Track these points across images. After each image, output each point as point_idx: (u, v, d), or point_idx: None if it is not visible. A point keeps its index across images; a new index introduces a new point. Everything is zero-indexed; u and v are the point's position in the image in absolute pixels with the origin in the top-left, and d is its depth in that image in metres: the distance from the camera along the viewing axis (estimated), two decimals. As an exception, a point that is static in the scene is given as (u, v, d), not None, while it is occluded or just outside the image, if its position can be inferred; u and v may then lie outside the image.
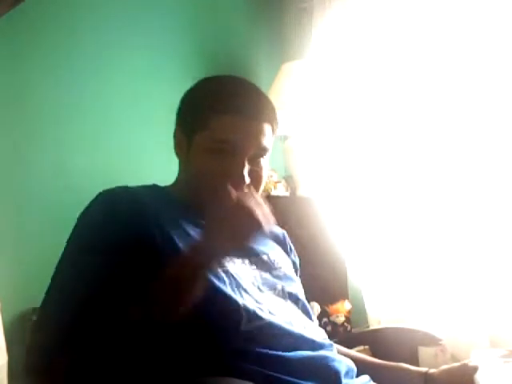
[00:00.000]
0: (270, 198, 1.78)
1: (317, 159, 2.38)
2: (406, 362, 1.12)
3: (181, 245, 0.93)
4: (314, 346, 0.98)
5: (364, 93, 2.31)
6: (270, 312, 0.96)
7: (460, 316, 1.98)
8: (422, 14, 2.18)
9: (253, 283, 0.99)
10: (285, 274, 1.09)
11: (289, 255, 1.20)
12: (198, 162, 0.99)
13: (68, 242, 0.94)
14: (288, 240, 1.23)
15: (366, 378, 1.04)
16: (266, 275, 1.04)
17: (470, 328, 1.95)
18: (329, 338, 1.07)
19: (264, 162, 1.02)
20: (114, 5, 1.99)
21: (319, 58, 2.37)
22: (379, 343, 1.25)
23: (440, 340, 1.27)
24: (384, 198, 2.26)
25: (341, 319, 2.02)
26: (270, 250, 1.11)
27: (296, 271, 1.20)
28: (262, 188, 1.03)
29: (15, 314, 1.58)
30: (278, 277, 1.06)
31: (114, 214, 0.92)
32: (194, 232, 0.97)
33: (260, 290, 1.00)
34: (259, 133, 0.98)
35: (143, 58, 2.03)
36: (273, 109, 1.04)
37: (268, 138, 1.00)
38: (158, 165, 1.76)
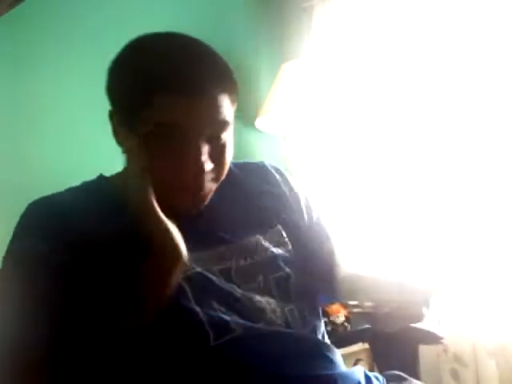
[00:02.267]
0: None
1: (317, 159, 2.38)
2: (407, 361, 1.12)
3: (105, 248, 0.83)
4: (306, 356, 0.85)
5: (364, 92, 2.31)
6: (247, 319, 0.84)
7: (462, 315, 1.98)
8: (422, 14, 2.18)
9: (226, 280, 0.86)
10: (271, 257, 0.92)
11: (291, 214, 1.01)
12: (139, 157, 0.83)
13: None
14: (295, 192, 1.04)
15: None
16: (244, 264, 0.89)
17: (473, 327, 1.95)
18: (328, 337, 1.01)
19: (227, 135, 0.85)
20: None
21: (319, 57, 2.37)
22: (379, 341, 1.25)
23: (442, 338, 1.27)
24: (383, 198, 2.26)
25: (341, 319, 2.03)
26: (248, 229, 0.93)
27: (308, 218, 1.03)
28: (227, 166, 0.88)
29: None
30: (259, 264, 0.90)
31: (27, 231, 0.86)
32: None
33: (236, 288, 0.86)
34: (213, 108, 0.81)
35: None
36: (225, 74, 0.85)
37: (225, 111, 0.83)
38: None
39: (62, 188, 0.94)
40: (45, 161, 1.74)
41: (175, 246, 0.79)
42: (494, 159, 2.02)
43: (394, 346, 1.11)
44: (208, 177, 0.84)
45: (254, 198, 0.99)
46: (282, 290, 0.90)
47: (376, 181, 2.28)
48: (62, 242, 0.81)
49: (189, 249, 0.82)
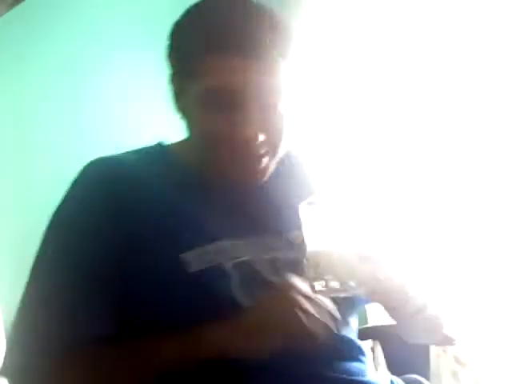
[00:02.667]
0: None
1: (317, 158, 2.36)
2: (418, 362, 1.09)
3: (170, 225, 0.78)
4: (345, 358, 0.81)
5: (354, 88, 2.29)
6: None
7: (463, 317, 1.98)
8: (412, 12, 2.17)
9: (272, 272, 0.80)
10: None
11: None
12: (196, 122, 0.79)
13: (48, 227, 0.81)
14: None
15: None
16: (292, 257, 0.82)
17: (473, 329, 1.95)
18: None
19: (285, 106, 0.77)
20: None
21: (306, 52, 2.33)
22: (390, 339, 1.23)
23: (454, 340, 1.25)
24: (383, 198, 2.25)
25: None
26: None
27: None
28: (283, 139, 0.80)
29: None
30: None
31: (85, 196, 0.80)
32: (197, 206, 0.80)
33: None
34: (267, 72, 0.74)
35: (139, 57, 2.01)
36: (285, 38, 0.77)
37: (283, 77, 0.75)
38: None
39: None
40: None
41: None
42: (494, 160, 2.02)
43: (406, 345, 1.09)
44: (262, 148, 0.77)
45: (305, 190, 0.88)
46: None
47: (375, 181, 2.27)
48: (121, 214, 0.77)
49: (238, 235, 0.78)
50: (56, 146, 1.77)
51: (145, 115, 1.93)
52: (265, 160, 0.79)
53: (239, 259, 0.78)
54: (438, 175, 2.08)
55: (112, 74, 1.89)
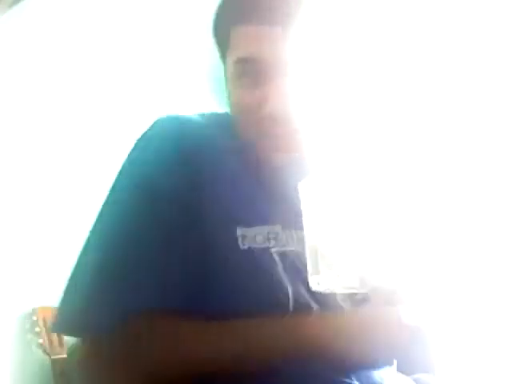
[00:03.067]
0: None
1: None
2: (426, 360, 1.07)
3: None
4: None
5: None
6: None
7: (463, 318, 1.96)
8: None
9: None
10: None
11: None
12: (230, 96, 0.78)
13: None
14: None
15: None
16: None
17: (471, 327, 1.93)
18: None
19: (296, 77, 0.75)
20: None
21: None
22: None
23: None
24: (382, 199, 2.23)
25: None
26: None
27: None
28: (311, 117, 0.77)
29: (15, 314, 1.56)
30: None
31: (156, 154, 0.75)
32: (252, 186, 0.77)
33: None
34: (290, 39, 0.73)
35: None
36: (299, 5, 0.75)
37: (307, 43, 0.74)
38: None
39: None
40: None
41: None
42: (494, 162, 2.00)
43: (415, 344, 1.06)
44: (291, 125, 0.74)
45: None
46: None
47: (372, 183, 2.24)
48: (192, 177, 0.72)
49: (289, 225, 0.75)
50: (56, 145, 1.76)
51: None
52: (297, 138, 0.75)
53: (285, 248, 0.75)
54: (438, 176, 2.06)
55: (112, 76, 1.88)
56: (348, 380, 0.71)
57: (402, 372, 1.03)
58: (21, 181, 1.69)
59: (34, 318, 1.62)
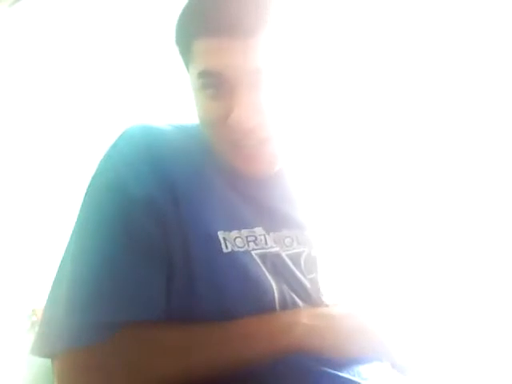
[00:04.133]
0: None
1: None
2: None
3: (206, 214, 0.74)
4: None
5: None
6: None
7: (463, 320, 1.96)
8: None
9: (295, 266, 0.78)
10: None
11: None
12: (196, 105, 0.76)
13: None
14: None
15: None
16: (313, 253, 0.81)
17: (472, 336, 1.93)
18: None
19: (275, 85, 0.72)
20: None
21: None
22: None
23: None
24: (380, 201, 2.23)
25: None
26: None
27: None
28: (284, 123, 0.75)
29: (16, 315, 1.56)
30: (318, 257, 0.84)
31: (127, 161, 0.74)
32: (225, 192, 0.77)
33: (304, 276, 0.79)
34: (249, 51, 0.69)
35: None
36: (266, 12, 0.71)
37: (267, 54, 0.70)
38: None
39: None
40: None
41: None
42: (494, 159, 1.99)
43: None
44: (259, 135, 0.73)
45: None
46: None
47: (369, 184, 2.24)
48: (165, 185, 0.72)
49: (267, 228, 0.76)
50: (56, 145, 1.76)
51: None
52: (268, 147, 0.74)
53: (265, 250, 0.75)
54: (437, 176, 2.06)
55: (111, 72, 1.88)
56: (340, 373, 0.70)
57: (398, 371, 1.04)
58: (20, 181, 1.70)
59: (34, 319, 1.63)
